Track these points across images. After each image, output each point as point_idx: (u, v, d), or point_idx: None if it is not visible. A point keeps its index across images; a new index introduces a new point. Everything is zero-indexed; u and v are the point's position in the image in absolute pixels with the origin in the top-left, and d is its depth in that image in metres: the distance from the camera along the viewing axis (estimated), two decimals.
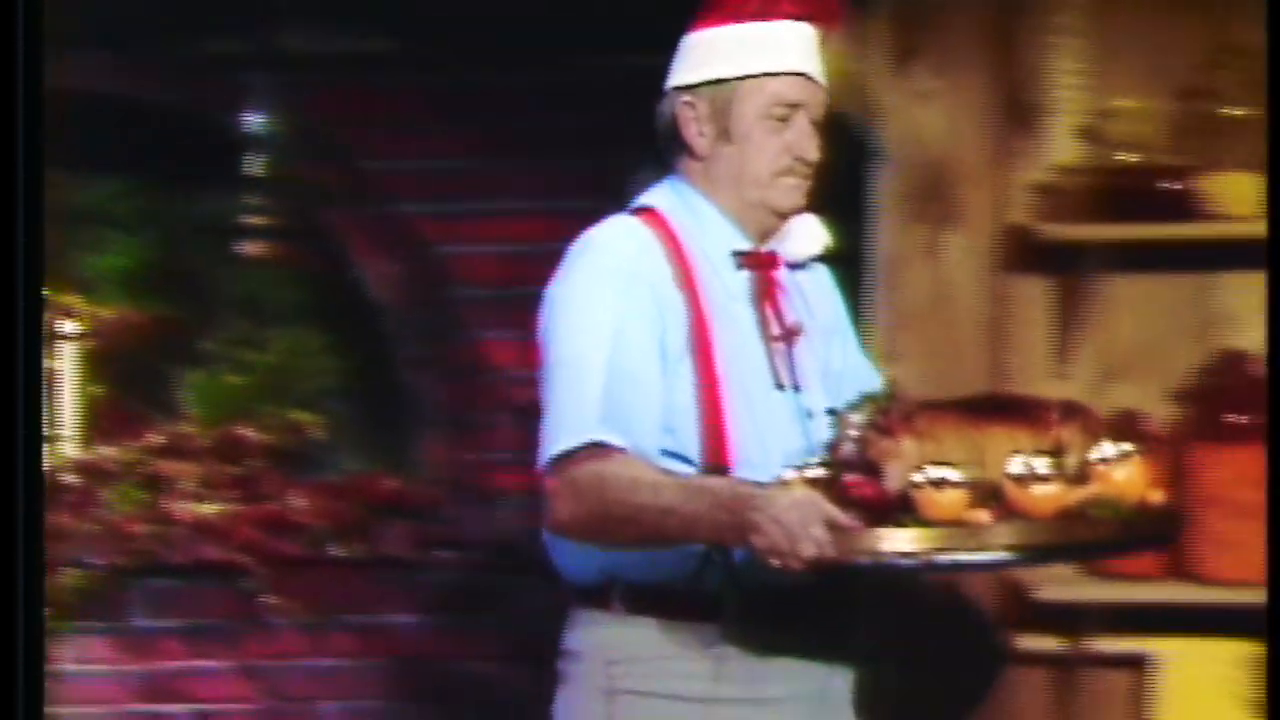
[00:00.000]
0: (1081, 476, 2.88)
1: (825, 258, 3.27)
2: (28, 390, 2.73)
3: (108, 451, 5.00)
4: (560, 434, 3.01)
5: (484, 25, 4.69)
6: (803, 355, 3.18)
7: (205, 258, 5.18)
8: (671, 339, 3.07)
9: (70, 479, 4.93)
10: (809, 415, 3.13)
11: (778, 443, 3.06)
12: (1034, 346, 4.03)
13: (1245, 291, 3.89)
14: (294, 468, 5.05)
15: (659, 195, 3.21)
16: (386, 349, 5.07)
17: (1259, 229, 3.75)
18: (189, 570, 4.91)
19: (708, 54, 3.18)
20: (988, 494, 2.85)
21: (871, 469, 2.88)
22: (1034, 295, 4.04)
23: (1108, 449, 2.88)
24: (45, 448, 4.80)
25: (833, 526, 2.81)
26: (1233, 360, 3.93)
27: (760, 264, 3.18)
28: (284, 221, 5.07)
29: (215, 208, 5.14)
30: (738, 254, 3.16)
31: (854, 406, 3.00)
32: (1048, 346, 4.03)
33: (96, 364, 5.08)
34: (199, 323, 5.16)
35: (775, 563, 2.82)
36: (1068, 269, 3.97)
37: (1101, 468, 2.88)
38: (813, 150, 3.13)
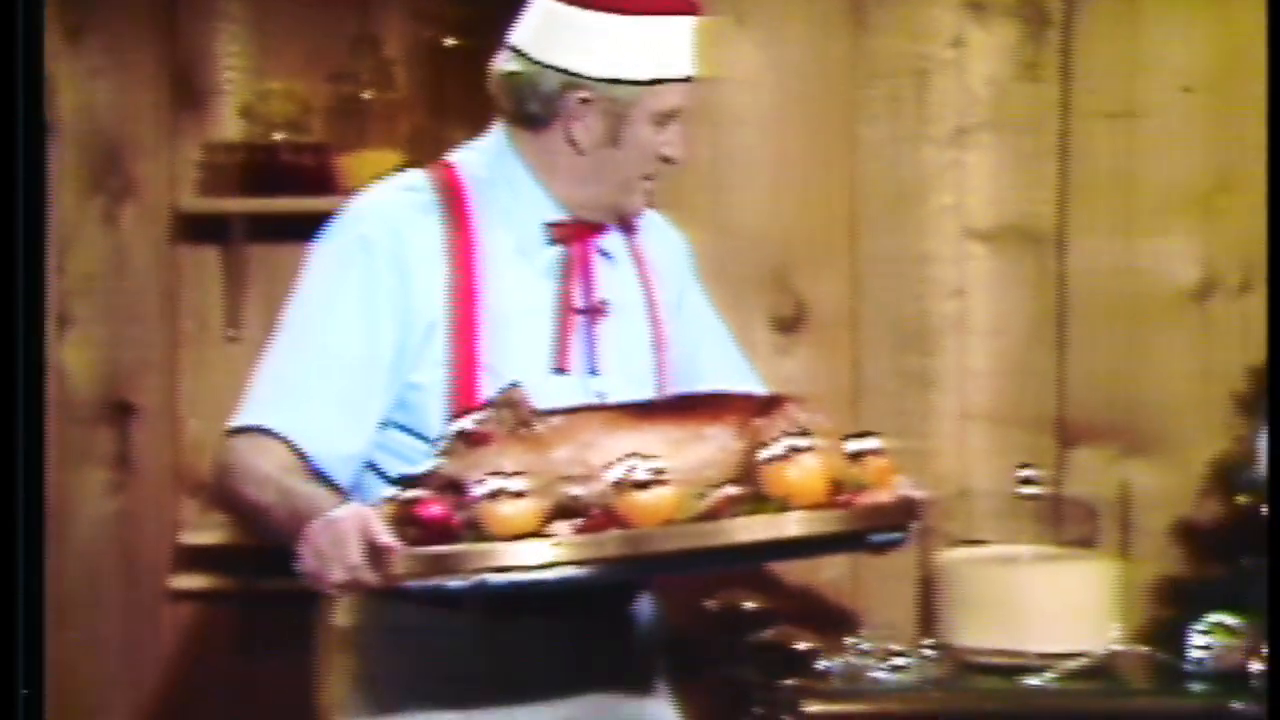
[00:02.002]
0: (748, 476, 2.59)
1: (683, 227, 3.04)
2: (28, 389, 2.55)
3: None
4: (241, 410, 2.74)
5: None
6: (609, 335, 2.84)
7: None
8: (420, 316, 2.75)
9: None
10: (600, 399, 2.79)
11: None
12: (208, 312, 4.09)
13: None
14: None
15: (470, 154, 2.88)
16: None
17: None
18: None
19: (608, 47, 2.78)
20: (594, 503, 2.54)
21: (454, 485, 2.54)
22: (204, 263, 4.10)
23: (778, 447, 2.56)
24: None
25: (375, 549, 2.47)
26: None
27: (574, 235, 2.84)
28: None
29: None
30: (550, 225, 2.82)
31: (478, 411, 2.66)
32: (221, 312, 4.09)
33: None
34: None
35: (314, 587, 2.54)
36: (225, 239, 4.07)
37: (767, 466, 2.58)
38: (683, 153, 2.82)
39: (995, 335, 3.65)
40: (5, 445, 2.53)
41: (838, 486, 2.61)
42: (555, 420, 2.62)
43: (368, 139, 4.03)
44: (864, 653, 3.34)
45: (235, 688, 4.06)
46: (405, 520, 2.50)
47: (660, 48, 2.79)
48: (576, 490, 2.55)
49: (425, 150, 3.98)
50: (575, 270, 2.84)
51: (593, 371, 2.82)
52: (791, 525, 2.56)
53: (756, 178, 3.61)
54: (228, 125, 4.14)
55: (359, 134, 4.03)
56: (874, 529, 2.68)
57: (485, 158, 2.86)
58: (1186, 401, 3.61)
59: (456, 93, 4.02)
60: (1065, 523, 3.59)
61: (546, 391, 2.72)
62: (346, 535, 2.49)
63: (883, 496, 2.65)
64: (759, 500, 2.57)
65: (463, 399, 2.72)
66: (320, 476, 2.71)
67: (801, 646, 3.32)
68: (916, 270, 3.63)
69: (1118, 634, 3.40)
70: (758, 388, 3.01)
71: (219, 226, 4.10)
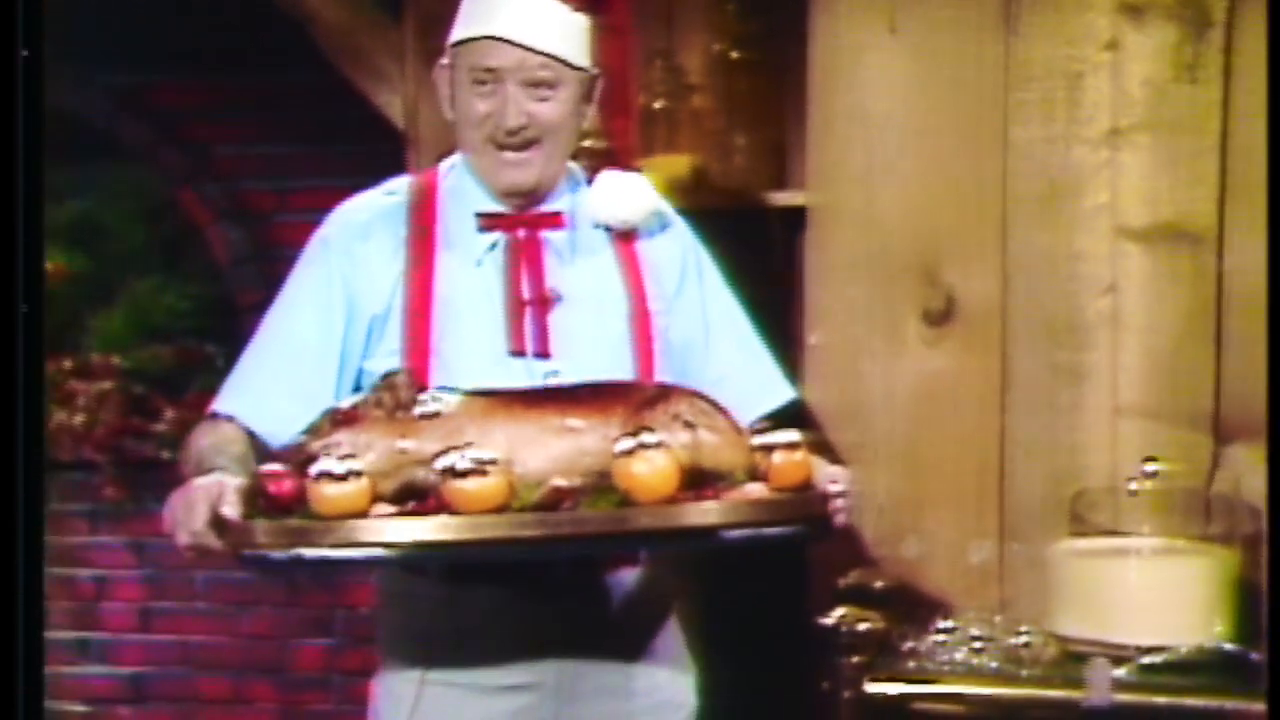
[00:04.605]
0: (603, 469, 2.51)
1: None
2: (28, 390, 2.47)
3: None
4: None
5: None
6: (564, 321, 2.80)
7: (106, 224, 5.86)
8: (372, 306, 2.78)
9: None
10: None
11: None
12: None
13: None
14: (154, 388, 5.67)
15: (456, 155, 2.90)
16: (230, 295, 5.64)
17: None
18: (73, 465, 5.60)
19: (459, 15, 2.83)
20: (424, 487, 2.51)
21: (311, 460, 2.50)
22: None
23: (628, 441, 2.48)
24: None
25: (217, 518, 2.49)
26: None
27: (505, 226, 2.83)
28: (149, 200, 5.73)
29: (112, 187, 5.82)
30: (480, 215, 2.83)
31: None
32: None
33: None
34: (98, 272, 5.81)
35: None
36: None
37: (617, 460, 2.49)
38: (511, 117, 2.75)
39: (1149, 332, 3.47)
40: (5, 448, 2.48)
41: (706, 480, 2.53)
42: (436, 405, 2.57)
43: (661, 145, 4.11)
44: (948, 635, 3.23)
45: None
46: (257, 492, 2.51)
47: (484, 11, 2.78)
48: (421, 474, 2.51)
49: (712, 153, 4.10)
50: (517, 259, 2.81)
51: (544, 355, 2.77)
52: (613, 521, 2.46)
53: (909, 177, 3.56)
54: None
55: (652, 140, 4.11)
56: (727, 526, 2.51)
57: (459, 156, 2.88)
58: None
59: (742, 101, 4.09)
60: (1211, 518, 3.34)
61: (501, 374, 2.72)
62: (196, 502, 2.52)
63: (752, 492, 2.53)
64: (602, 492, 2.49)
65: (417, 381, 2.68)
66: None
67: (862, 628, 3.23)
68: (1068, 267, 3.49)
69: (1217, 631, 3.15)
70: (771, 375, 2.97)
71: None
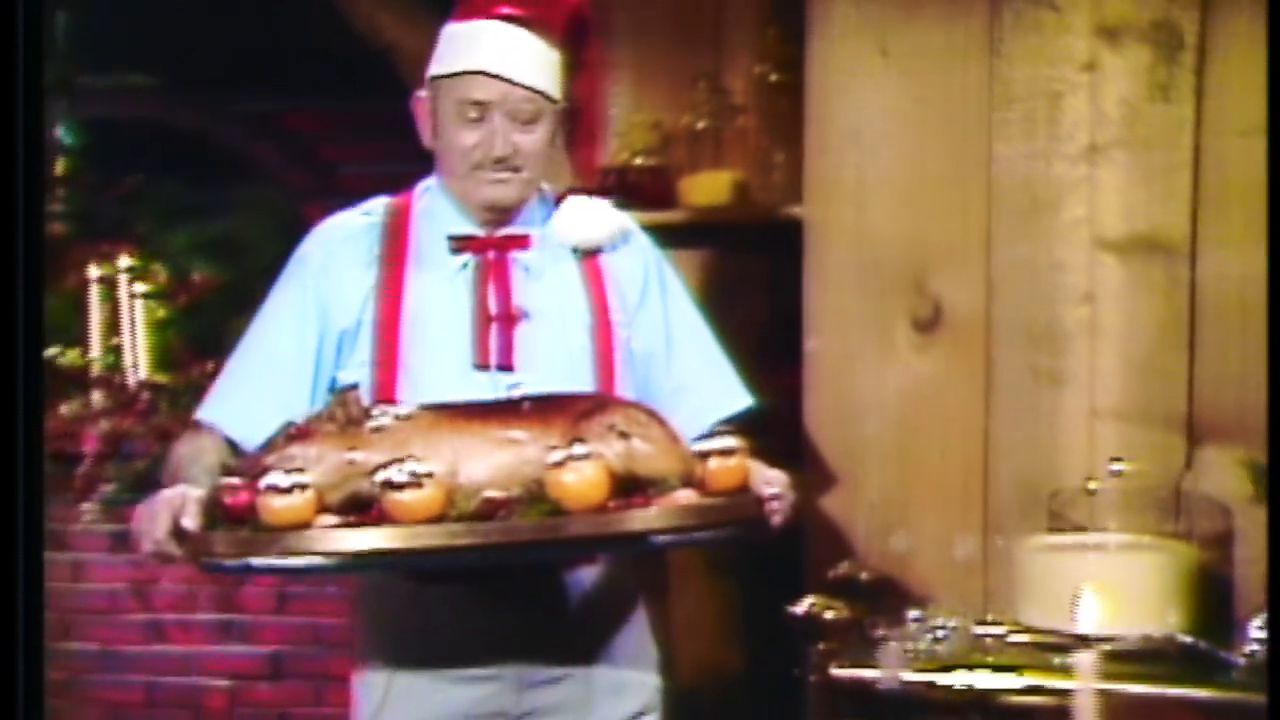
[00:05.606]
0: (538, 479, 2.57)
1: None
2: (28, 387, 2.49)
3: (164, 377, 6.01)
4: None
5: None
6: (528, 335, 2.86)
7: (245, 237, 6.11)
8: (342, 320, 2.85)
9: (143, 394, 5.98)
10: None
11: None
12: None
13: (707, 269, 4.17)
14: None
15: (432, 178, 2.98)
16: None
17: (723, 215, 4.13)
18: None
19: (439, 50, 2.91)
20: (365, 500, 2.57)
21: (266, 474, 2.56)
22: None
23: (558, 454, 2.54)
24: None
25: (178, 529, 2.58)
26: None
27: (475, 248, 2.89)
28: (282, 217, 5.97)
29: (249, 205, 6.08)
30: (452, 238, 2.90)
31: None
32: None
33: (170, 313, 6.10)
34: (240, 282, 6.06)
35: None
36: None
37: (549, 471, 2.55)
38: (499, 147, 2.82)
39: (1125, 339, 3.52)
40: (5, 447, 2.49)
41: (640, 487, 2.59)
42: (386, 419, 2.63)
43: (707, 162, 4.21)
44: (917, 625, 3.30)
45: None
46: (215, 504, 2.58)
47: (453, 47, 2.88)
48: (367, 485, 2.56)
49: (752, 170, 4.19)
50: (486, 278, 2.87)
51: (507, 369, 2.83)
52: (543, 529, 2.52)
53: (899, 192, 3.65)
54: (606, 153, 4.42)
55: (697, 157, 4.22)
56: (653, 531, 2.59)
57: (431, 180, 2.97)
58: None
59: (781, 120, 4.17)
60: (1175, 515, 3.39)
61: (465, 386, 2.79)
62: (158, 513, 2.61)
63: (681, 498, 2.58)
64: (535, 502, 2.54)
65: (383, 395, 2.80)
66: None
67: (829, 616, 3.30)
68: (1048, 277, 3.56)
69: (1171, 622, 3.19)
70: (730, 383, 3.04)
71: None
